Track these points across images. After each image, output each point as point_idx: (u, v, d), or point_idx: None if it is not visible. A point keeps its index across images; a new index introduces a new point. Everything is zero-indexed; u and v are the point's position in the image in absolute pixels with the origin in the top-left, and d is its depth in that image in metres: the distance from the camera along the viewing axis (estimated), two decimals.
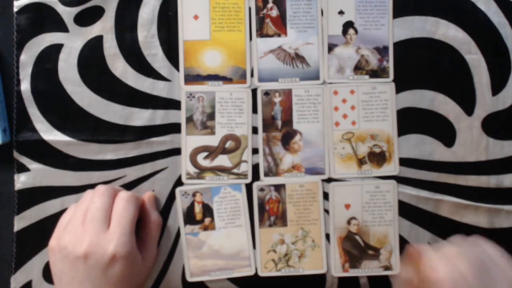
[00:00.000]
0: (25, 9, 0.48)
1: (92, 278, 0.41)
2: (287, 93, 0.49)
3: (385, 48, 0.49)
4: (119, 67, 0.48)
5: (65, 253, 0.42)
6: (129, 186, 0.48)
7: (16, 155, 0.48)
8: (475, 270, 0.40)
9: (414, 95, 0.49)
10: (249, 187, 0.49)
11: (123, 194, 0.45)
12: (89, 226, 0.42)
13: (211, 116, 0.49)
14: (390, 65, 0.49)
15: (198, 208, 0.49)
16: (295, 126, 0.49)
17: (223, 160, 0.49)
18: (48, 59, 0.48)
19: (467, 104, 0.49)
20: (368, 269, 0.49)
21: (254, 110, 0.49)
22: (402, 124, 0.49)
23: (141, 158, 0.49)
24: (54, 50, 0.48)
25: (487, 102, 0.49)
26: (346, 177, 0.49)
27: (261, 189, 0.49)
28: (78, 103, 0.48)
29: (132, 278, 0.43)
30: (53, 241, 0.43)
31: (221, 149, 0.49)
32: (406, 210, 0.49)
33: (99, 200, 0.44)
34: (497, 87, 0.49)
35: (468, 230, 0.49)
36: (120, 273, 0.42)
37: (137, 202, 0.45)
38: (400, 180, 0.49)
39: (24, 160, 0.48)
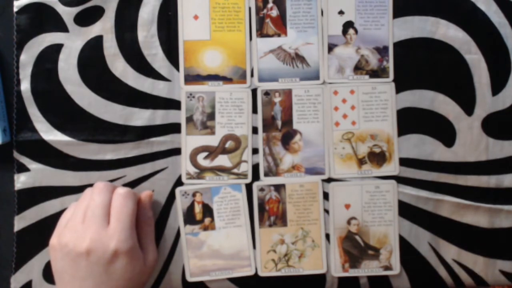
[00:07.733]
0: (25, 9, 0.48)
1: (94, 274, 0.41)
2: (287, 93, 0.49)
3: (385, 48, 0.49)
4: (119, 67, 0.48)
5: (66, 251, 0.42)
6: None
7: (16, 155, 0.48)
8: None
9: (414, 95, 0.49)
10: (249, 187, 0.49)
11: (121, 190, 0.45)
12: (89, 223, 0.42)
13: (211, 116, 0.49)
14: (390, 65, 0.49)
15: (198, 208, 0.49)
16: (295, 126, 0.49)
17: (223, 160, 0.49)
18: (48, 59, 0.48)
19: (467, 104, 0.49)
20: (368, 269, 0.49)
21: (254, 110, 0.49)
22: (402, 124, 0.49)
23: (141, 158, 0.49)
24: (54, 50, 0.48)
25: (487, 102, 0.49)
26: (346, 177, 0.49)
27: (261, 189, 0.49)
28: (78, 103, 0.48)
29: (134, 275, 0.43)
30: (54, 239, 0.43)
31: (221, 149, 0.49)
32: (406, 210, 0.49)
33: (98, 197, 0.44)
34: (497, 87, 0.49)
35: (468, 230, 0.49)
36: (122, 269, 0.42)
37: (134, 197, 0.45)
38: (400, 180, 0.49)
39: (24, 160, 0.48)
